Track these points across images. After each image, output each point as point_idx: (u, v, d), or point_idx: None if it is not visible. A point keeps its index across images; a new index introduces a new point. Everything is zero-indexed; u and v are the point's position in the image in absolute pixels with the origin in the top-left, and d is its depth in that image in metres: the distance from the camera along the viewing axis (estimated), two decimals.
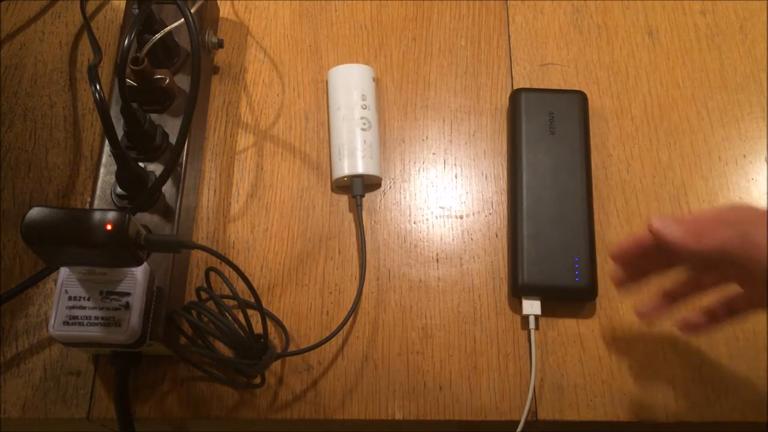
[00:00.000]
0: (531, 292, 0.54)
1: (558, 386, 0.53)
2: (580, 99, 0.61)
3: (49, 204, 0.57)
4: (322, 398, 0.53)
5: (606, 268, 0.56)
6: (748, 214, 0.43)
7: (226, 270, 0.53)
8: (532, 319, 0.54)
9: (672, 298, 0.49)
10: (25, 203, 0.58)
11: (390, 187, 0.60)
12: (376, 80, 0.64)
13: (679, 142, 0.62)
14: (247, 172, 0.60)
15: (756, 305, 0.47)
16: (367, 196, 0.59)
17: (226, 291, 0.50)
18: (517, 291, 0.55)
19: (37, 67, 0.63)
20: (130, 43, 0.48)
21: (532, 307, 0.54)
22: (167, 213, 0.53)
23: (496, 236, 0.58)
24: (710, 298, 0.49)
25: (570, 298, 0.55)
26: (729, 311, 0.48)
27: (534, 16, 0.67)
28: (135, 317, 0.46)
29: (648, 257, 0.48)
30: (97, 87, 0.46)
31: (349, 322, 0.55)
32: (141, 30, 0.55)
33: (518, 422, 0.52)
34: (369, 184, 0.60)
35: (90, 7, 0.66)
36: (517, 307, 0.56)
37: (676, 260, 0.48)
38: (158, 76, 0.55)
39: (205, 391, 0.53)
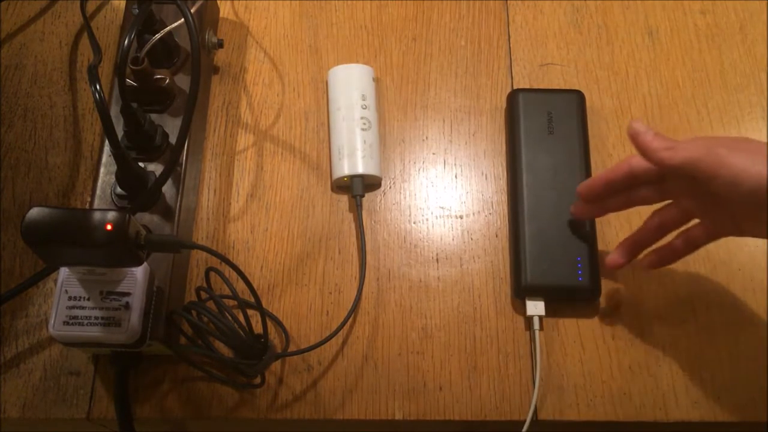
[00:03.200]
0: (534, 293, 0.54)
1: (558, 386, 0.53)
2: (577, 98, 0.61)
3: (49, 204, 0.57)
4: (322, 398, 0.53)
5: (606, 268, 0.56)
6: (730, 140, 0.44)
7: (226, 270, 0.53)
8: (536, 320, 0.54)
9: (637, 244, 0.52)
10: (25, 203, 0.58)
11: (390, 187, 0.60)
12: (376, 80, 0.64)
13: None
14: (247, 172, 0.60)
15: (712, 236, 0.49)
16: (367, 196, 0.59)
17: (226, 291, 0.50)
18: (521, 292, 0.55)
19: (37, 67, 0.63)
20: (130, 43, 0.48)
21: (536, 308, 0.54)
22: (167, 213, 0.53)
23: (496, 236, 0.58)
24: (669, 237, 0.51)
25: (573, 297, 0.55)
26: (687, 243, 0.50)
27: (534, 16, 0.67)
28: (135, 317, 0.46)
29: (614, 192, 0.51)
30: (97, 87, 0.46)
31: (349, 322, 0.55)
32: (141, 30, 0.55)
33: (518, 422, 0.52)
34: (369, 184, 0.60)
35: (90, 7, 0.66)
36: (517, 307, 0.56)
37: (643, 180, 0.49)
38: (158, 76, 0.55)
39: (205, 391, 0.53)
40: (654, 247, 0.52)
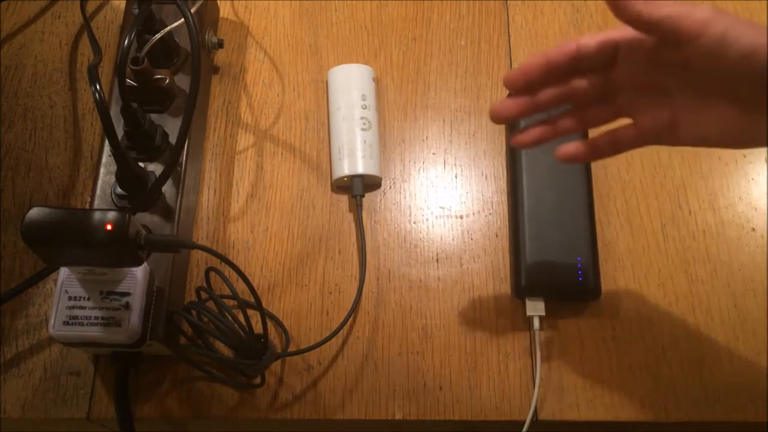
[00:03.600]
0: (534, 293, 0.54)
1: (558, 386, 0.53)
2: None
3: (49, 204, 0.57)
4: (322, 398, 0.53)
5: (606, 268, 0.56)
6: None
7: (226, 270, 0.53)
8: (536, 320, 0.54)
9: (556, 130, 0.45)
10: (25, 203, 0.58)
11: (390, 187, 0.60)
12: (376, 80, 0.64)
13: None
14: (247, 172, 0.60)
15: (642, 139, 0.43)
16: (367, 196, 0.59)
17: (226, 291, 0.50)
18: (521, 292, 0.55)
19: (37, 67, 0.63)
20: (130, 43, 0.48)
21: (536, 308, 0.54)
22: (167, 213, 0.53)
23: (496, 236, 0.58)
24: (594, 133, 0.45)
25: (574, 297, 0.55)
26: (613, 144, 0.44)
27: (534, 16, 0.67)
28: (135, 317, 0.46)
29: (552, 78, 0.43)
30: (97, 87, 0.46)
31: (349, 322, 0.55)
32: (141, 30, 0.55)
33: (518, 422, 0.52)
34: (369, 184, 0.60)
35: (90, 7, 0.66)
36: (518, 307, 0.56)
37: (588, 64, 0.42)
38: (158, 76, 0.55)
39: (205, 391, 0.53)
40: (574, 141, 0.45)
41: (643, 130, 0.43)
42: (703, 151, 0.61)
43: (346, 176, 0.58)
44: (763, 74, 0.35)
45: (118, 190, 0.52)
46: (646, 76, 0.41)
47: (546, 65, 0.42)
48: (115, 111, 0.54)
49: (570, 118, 0.44)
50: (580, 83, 0.43)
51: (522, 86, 0.43)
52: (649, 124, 0.42)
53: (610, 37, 0.41)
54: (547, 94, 0.43)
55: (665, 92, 0.41)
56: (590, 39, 0.41)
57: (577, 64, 0.42)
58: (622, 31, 0.41)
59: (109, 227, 0.40)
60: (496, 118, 0.44)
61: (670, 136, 0.42)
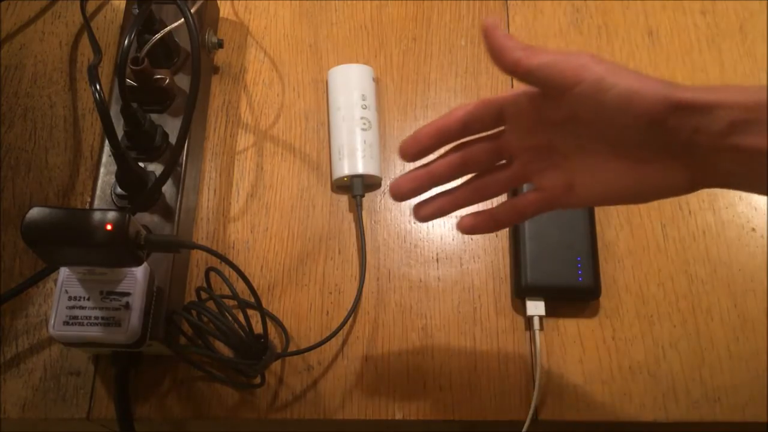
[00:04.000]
0: (535, 293, 0.54)
1: (558, 386, 0.53)
2: None
3: (49, 204, 0.57)
4: (322, 398, 0.53)
5: (606, 268, 0.56)
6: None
7: (226, 270, 0.53)
8: (536, 320, 0.54)
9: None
10: (25, 203, 0.58)
11: None
12: (376, 80, 0.64)
13: None
14: (247, 172, 0.60)
15: (545, 203, 0.41)
16: (367, 196, 0.59)
17: (226, 291, 0.50)
18: (521, 292, 0.55)
19: (37, 67, 0.63)
20: (130, 43, 0.48)
21: (536, 308, 0.54)
22: (167, 213, 0.53)
23: (496, 236, 0.58)
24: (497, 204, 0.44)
25: (574, 297, 0.55)
26: (514, 211, 0.43)
27: (534, 16, 0.67)
28: (135, 317, 0.46)
29: (444, 144, 0.42)
30: (97, 87, 0.46)
31: (349, 322, 0.55)
32: (141, 30, 0.55)
33: (518, 422, 0.52)
34: (369, 184, 0.60)
35: (90, 7, 0.66)
36: (518, 307, 0.56)
37: (479, 127, 0.41)
38: (158, 76, 0.55)
39: (205, 391, 0.53)
40: (473, 210, 0.43)
41: (543, 195, 0.41)
42: None
43: (346, 176, 0.58)
44: (642, 122, 0.34)
45: (118, 190, 0.52)
46: (537, 137, 0.40)
47: (437, 133, 0.41)
48: (115, 111, 0.54)
49: (469, 186, 0.43)
50: (473, 150, 0.42)
51: (415, 153, 0.42)
52: (547, 188, 0.41)
53: (495, 100, 0.41)
54: (441, 164, 0.42)
55: (559, 153, 0.40)
56: (476, 105, 0.41)
57: (466, 131, 0.41)
58: (507, 93, 0.40)
59: (109, 227, 0.40)
60: (395, 196, 0.43)
61: (570, 198, 0.40)
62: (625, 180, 0.38)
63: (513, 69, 0.38)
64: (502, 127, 0.41)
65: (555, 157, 0.40)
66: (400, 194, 0.43)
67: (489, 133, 0.42)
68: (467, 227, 0.44)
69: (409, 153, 0.42)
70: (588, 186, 0.39)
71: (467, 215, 0.43)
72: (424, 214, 0.44)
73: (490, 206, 0.44)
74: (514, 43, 0.37)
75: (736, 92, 0.33)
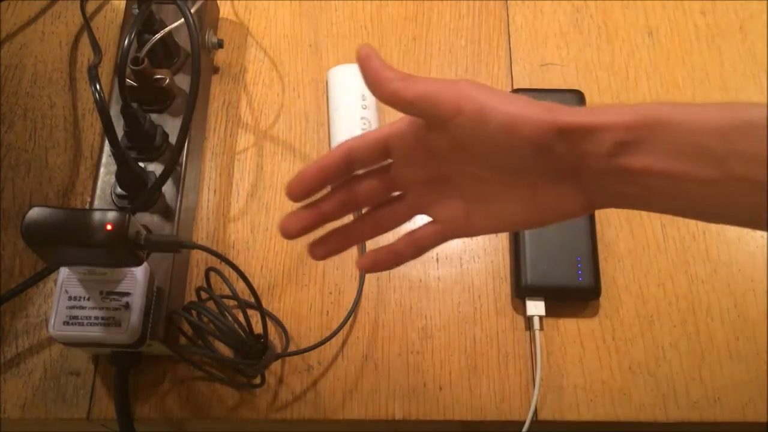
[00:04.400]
0: (535, 293, 0.54)
1: (558, 386, 0.53)
2: (577, 98, 0.61)
3: (49, 204, 0.57)
4: (322, 398, 0.53)
5: (606, 268, 0.56)
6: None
7: (226, 270, 0.53)
8: (536, 320, 0.54)
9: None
10: (25, 203, 0.58)
11: None
12: None
13: None
14: (247, 172, 0.60)
15: (442, 235, 0.40)
16: None
17: (226, 291, 0.50)
18: (521, 292, 0.55)
19: (37, 67, 0.63)
20: (130, 43, 0.48)
21: (536, 308, 0.54)
22: (167, 213, 0.53)
23: (496, 236, 0.58)
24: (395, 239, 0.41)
25: (574, 298, 0.55)
26: (413, 245, 0.40)
27: (534, 16, 0.67)
28: (135, 317, 0.46)
29: (330, 184, 0.40)
30: (97, 87, 0.46)
31: (349, 322, 0.55)
32: (141, 30, 0.55)
33: (518, 422, 0.52)
34: None
35: (90, 7, 0.66)
36: (518, 307, 0.56)
37: (363, 163, 0.39)
38: (158, 76, 0.55)
39: (205, 391, 0.53)
40: (373, 251, 0.41)
41: (440, 226, 0.40)
42: None
43: None
44: (528, 150, 0.33)
45: (118, 190, 0.52)
46: (425, 168, 0.39)
47: (319, 171, 0.39)
48: (115, 111, 0.54)
49: (363, 223, 0.41)
50: (362, 187, 0.40)
51: (301, 193, 0.39)
52: (444, 219, 0.39)
53: (378, 134, 0.39)
54: (329, 203, 0.40)
55: (451, 184, 0.38)
56: (359, 140, 0.39)
57: (352, 167, 0.39)
58: (391, 126, 0.39)
59: (109, 227, 0.40)
60: (284, 236, 0.41)
61: (469, 227, 0.39)
62: (520, 207, 0.37)
63: (391, 101, 0.36)
64: (390, 161, 0.39)
65: (447, 187, 0.39)
66: (288, 234, 0.40)
67: (377, 166, 0.40)
68: (368, 265, 0.41)
69: (294, 194, 0.39)
70: (485, 215, 0.38)
71: (367, 254, 0.41)
72: (319, 254, 0.41)
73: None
74: (392, 73, 0.36)
75: (619, 112, 0.32)
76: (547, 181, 0.35)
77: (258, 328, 0.50)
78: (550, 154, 0.33)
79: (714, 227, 0.58)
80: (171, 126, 0.56)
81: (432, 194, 0.39)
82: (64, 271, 0.46)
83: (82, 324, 0.46)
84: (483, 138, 0.34)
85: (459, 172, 0.38)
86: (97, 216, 0.40)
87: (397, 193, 0.41)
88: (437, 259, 0.57)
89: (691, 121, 0.31)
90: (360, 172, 0.40)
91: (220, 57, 0.65)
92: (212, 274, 0.52)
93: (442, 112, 0.34)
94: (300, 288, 0.56)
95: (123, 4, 0.65)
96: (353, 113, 0.59)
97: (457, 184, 0.38)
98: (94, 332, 0.46)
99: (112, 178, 0.53)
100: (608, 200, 0.35)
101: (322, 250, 0.41)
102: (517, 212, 0.37)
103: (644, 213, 0.59)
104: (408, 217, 0.41)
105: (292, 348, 0.54)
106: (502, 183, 0.36)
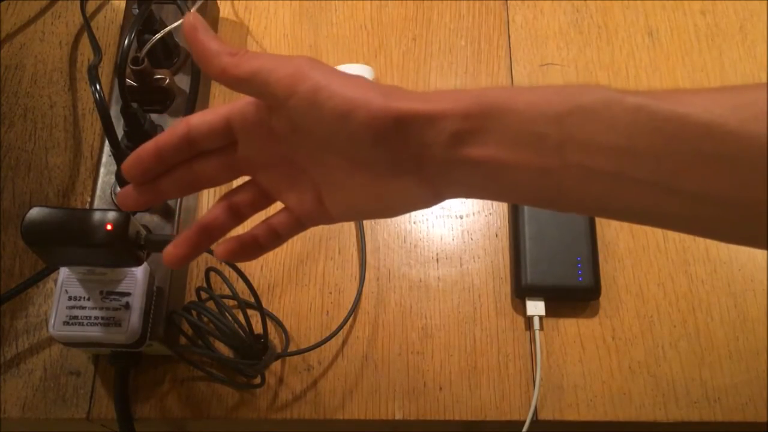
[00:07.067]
0: (535, 293, 0.54)
1: (558, 386, 0.53)
2: None
3: (49, 204, 0.57)
4: (322, 398, 0.53)
5: (606, 268, 0.56)
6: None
7: (226, 270, 0.53)
8: (536, 320, 0.54)
9: (206, 233, 0.38)
10: (25, 203, 0.58)
11: None
12: (376, 80, 0.64)
13: None
14: None
15: (298, 222, 0.37)
16: None
17: (226, 291, 0.50)
18: (521, 292, 0.55)
19: (37, 67, 0.63)
20: (130, 43, 0.48)
21: (536, 308, 0.54)
22: (167, 213, 0.53)
23: (496, 236, 0.58)
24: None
25: (574, 297, 0.55)
26: (269, 233, 0.38)
27: (534, 16, 0.67)
28: (135, 317, 0.46)
29: (169, 166, 0.37)
30: (97, 87, 0.46)
31: (349, 322, 0.55)
32: (141, 30, 0.55)
33: (518, 422, 0.52)
34: None
35: (90, 7, 0.66)
36: (518, 307, 0.56)
37: (205, 145, 0.37)
38: (158, 76, 0.55)
39: (205, 391, 0.53)
40: (231, 238, 0.38)
41: (294, 213, 0.37)
42: None
43: None
44: (365, 138, 0.31)
45: (118, 190, 0.52)
46: (270, 151, 0.36)
47: (157, 151, 0.36)
48: (115, 111, 0.54)
49: (220, 210, 0.38)
50: (204, 166, 0.37)
51: (139, 174, 0.37)
52: (296, 205, 0.37)
53: (220, 111, 0.36)
54: (167, 181, 0.37)
55: (297, 168, 0.36)
56: (199, 117, 0.36)
57: (194, 147, 0.36)
58: (235, 104, 0.36)
59: (109, 227, 0.40)
60: (121, 206, 0.38)
61: (322, 215, 0.37)
62: (368, 195, 0.34)
63: (221, 78, 0.33)
64: (235, 141, 0.36)
65: (294, 172, 0.36)
66: (126, 206, 0.38)
67: (223, 146, 0.37)
68: (224, 255, 0.38)
69: (131, 175, 0.36)
70: (336, 202, 0.36)
71: (222, 242, 0.37)
72: (179, 255, 0.38)
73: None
74: (220, 47, 0.33)
75: (457, 98, 0.31)
76: (391, 171, 0.33)
77: (258, 328, 0.50)
78: (388, 143, 0.31)
79: None
80: (171, 126, 0.56)
81: (282, 179, 0.37)
82: (64, 271, 0.46)
83: (82, 324, 0.46)
84: (319, 122, 0.32)
85: (304, 156, 0.35)
86: (97, 216, 0.40)
87: (248, 178, 0.38)
88: (437, 259, 0.57)
89: (530, 108, 0.29)
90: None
91: None
92: (212, 274, 0.52)
93: (276, 91, 0.32)
94: (300, 288, 0.56)
95: (123, 4, 0.65)
96: None
97: (304, 168, 0.36)
98: (94, 332, 0.46)
99: (112, 178, 0.53)
100: (456, 191, 0.33)
101: (182, 250, 0.38)
102: (367, 201, 0.35)
103: None
104: (263, 204, 0.38)
105: (292, 348, 0.54)
106: (350, 170, 0.34)
